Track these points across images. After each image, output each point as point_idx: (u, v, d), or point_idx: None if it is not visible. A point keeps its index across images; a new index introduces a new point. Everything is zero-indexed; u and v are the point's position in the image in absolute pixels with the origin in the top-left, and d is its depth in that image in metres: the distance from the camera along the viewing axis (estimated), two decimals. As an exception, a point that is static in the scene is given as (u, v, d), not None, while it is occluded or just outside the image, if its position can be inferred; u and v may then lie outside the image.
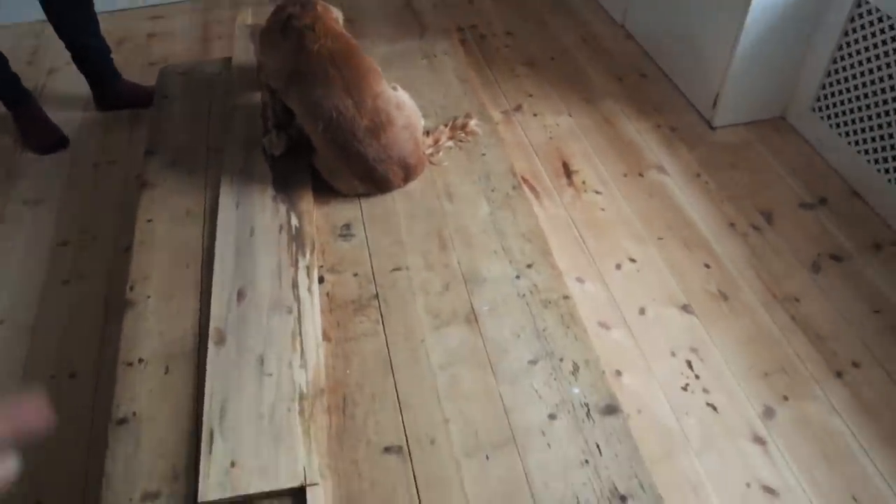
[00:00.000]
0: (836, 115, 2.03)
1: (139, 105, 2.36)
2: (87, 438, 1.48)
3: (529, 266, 1.32)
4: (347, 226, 1.43)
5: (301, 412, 1.08)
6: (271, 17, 1.51)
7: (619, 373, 1.56)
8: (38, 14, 2.22)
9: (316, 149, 1.48)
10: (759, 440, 1.44)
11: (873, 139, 1.91)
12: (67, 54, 2.29)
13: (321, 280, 1.31)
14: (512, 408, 1.10)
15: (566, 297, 1.27)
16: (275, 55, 1.49)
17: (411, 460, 1.04)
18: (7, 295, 1.80)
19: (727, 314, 1.69)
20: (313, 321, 1.21)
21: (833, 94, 2.03)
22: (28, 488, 1.40)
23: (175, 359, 1.18)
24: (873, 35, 1.84)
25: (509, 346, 1.19)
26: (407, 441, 1.06)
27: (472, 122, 1.62)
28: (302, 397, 1.10)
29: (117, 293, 1.68)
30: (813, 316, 1.68)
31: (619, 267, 1.81)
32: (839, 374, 1.56)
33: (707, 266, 1.81)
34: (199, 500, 0.98)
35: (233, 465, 1.02)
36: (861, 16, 1.87)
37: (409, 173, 1.48)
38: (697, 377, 1.56)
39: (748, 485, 1.37)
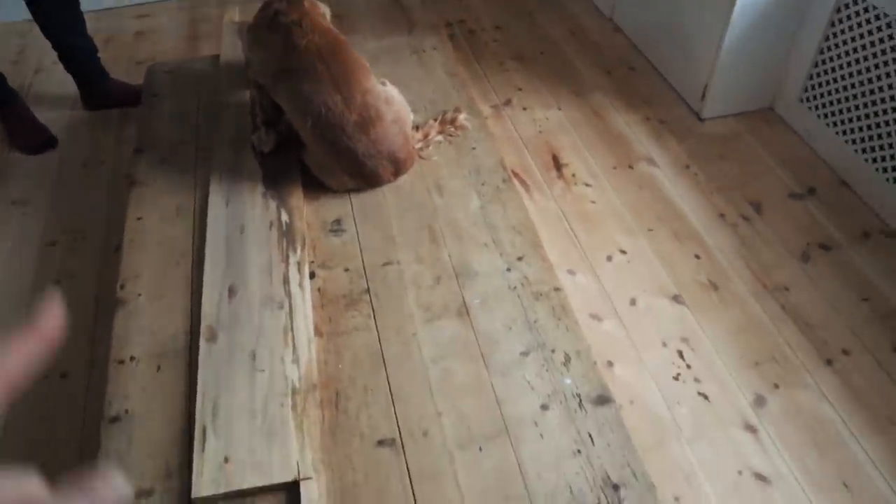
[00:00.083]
0: (824, 106, 2.04)
1: (127, 104, 2.34)
2: (80, 438, 1.48)
3: (520, 259, 1.33)
4: (338, 221, 1.43)
5: (294, 407, 1.08)
6: (258, 14, 1.50)
7: (610, 363, 1.57)
8: (24, 13, 2.20)
9: (305, 145, 1.48)
10: (750, 428, 1.46)
11: (861, 129, 1.93)
12: (54, 54, 2.27)
13: (312, 275, 1.31)
14: (504, 399, 1.11)
15: (557, 289, 1.27)
16: (262, 52, 1.49)
17: (405, 453, 1.04)
18: (-4, 296, 1.79)
19: (717, 304, 1.70)
20: (305, 317, 1.21)
21: (821, 85, 2.04)
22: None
23: (167, 356, 1.18)
24: (859, 25, 1.85)
25: (501, 339, 1.19)
26: (400, 434, 1.07)
27: (462, 117, 1.62)
28: (294, 392, 1.10)
29: (107, 292, 1.67)
30: (802, 305, 1.69)
31: (609, 259, 1.82)
32: (829, 362, 1.57)
33: (697, 257, 1.81)
34: (193, 496, 0.98)
35: (226, 460, 1.02)
36: (847, 6, 1.88)
37: (398, 168, 1.48)
38: (689, 367, 1.57)
39: (740, 472, 1.38)
